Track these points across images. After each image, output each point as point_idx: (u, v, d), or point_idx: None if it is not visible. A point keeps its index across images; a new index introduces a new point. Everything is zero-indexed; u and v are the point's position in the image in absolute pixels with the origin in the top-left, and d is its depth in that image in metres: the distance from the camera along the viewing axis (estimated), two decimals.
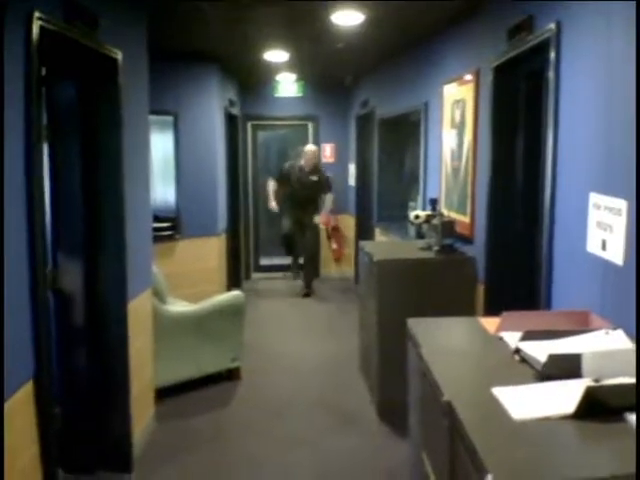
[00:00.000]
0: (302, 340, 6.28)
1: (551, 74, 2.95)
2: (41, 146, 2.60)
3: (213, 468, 3.70)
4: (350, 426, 4.25)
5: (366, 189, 8.22)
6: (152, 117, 4.64)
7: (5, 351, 2.16)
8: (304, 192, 7.90)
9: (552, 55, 2.94)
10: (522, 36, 3.33)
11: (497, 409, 1.75)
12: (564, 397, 1.76)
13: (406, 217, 5.57)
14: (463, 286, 4.20)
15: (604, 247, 2.36)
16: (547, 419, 1.67)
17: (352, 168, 8.90)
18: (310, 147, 8.14)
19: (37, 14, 2.40)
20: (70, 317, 3.40)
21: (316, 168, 8.01)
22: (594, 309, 2.44)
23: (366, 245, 4.91)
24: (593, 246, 2.46)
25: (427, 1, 4.18)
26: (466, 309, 3.94)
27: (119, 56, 3.37)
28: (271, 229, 9.36)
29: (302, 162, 7.94)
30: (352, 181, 8.90)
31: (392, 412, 4.14)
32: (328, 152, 9.25)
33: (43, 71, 2.62)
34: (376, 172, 7.50)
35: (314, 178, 7.92)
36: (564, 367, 1.88)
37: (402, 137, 7.03)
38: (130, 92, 3.60)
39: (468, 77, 4.33)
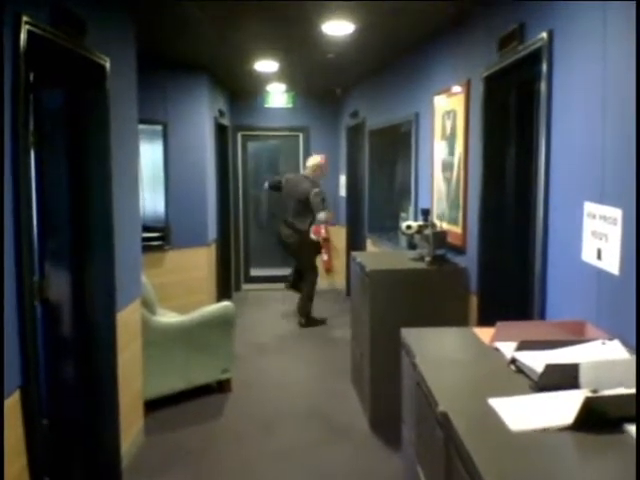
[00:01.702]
0: (294, 351, 6.23)
1: (543, 84, 2.94)
2: (28, 153, 2.56)
3: None
4: (342, 438, 4.20)
5: (357, 200, 8.21)
6: (141, 126, 4.61)
7: None
8: None
9: (544, 65, 2.93)
10: (513, 46, 3.32)
11: (494, 420, 1.72)
12: (562, 408, 1.73)
13: (398, 227, 5.54)
14: (455, 297, 4.18)
15: (599, 256, 2.34)
16: (545, 430, 1.64)
17: (343, 179, 8.89)
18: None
19: (25, 18, 2.37)
20: (58, 328, 3.34)
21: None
22: (589, 319, 2.42)
23: (358, 255, 4.88)
24: (588, 255, 2.44)
25: (418, 9, 4.18)
26: (458, 320, 3.92)
27: (107, 63, 3.34)
28: (262, 240, 9.35)
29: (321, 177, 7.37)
30: (343, 192, 8.89)
31: (384, 424, 4.10)
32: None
33: (31, 77, 2.58)
34: (367, 183, 7.50)
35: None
36: (561, 377, 1.86)
37: (393, 148, 7.02)
38: (118, 100, 3.57)
39: (459, 88, 4.33)
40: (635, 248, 2.05)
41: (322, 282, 9.03)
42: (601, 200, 2.36)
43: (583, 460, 1.59)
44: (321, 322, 7.21)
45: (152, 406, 4.41)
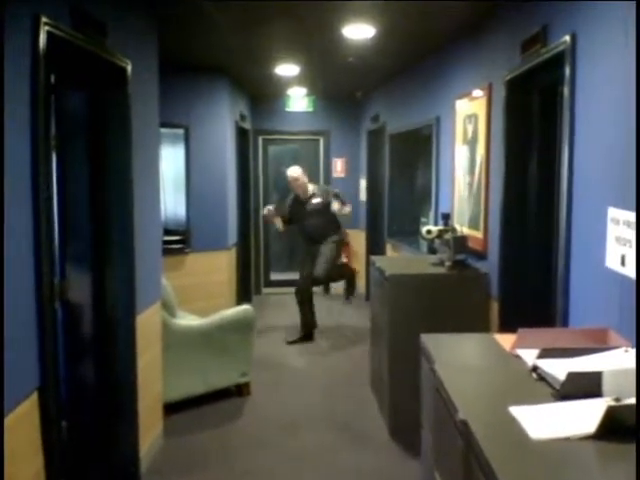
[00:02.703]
0: (313, 355, 6.21)
1: (566, 88, 2.91)
2: (49, 155, 2.57)
3: None
4: (360, 443, 4.18)
5: (377, 204, 8.19)
6: (163, 130, 4.63)
7: (9, 362, 2.13)
8: (312, 222, 6.59)
9: (567, 68, 2.89)
10: (536, 49, 3.29)
11: (515, 429, 1.69)
12: (584, 416, 1.70)
13: (418, 232, 5.51)
14: (476, 302, 4.13)
15: (623, 262, 2.30)
16: (567, 439, 1.61)
17: (363, 183, 8.87)
18: (290, 172, 6.67)
19: (44, 19, 2.38)
20: (78, 329, 3.37)
21: (306, 190, 6.67)
22: (613, 326, 2.38)
23: (377, 260, 4.86)
24: (612, 261, 2.40)
25: (439, 11, 4.16)
26: (479, 326, 3.88)
27: (128, 66, 3.36)
28: (282, 244, 9.36)
29: (295, 192, 6.73)
30: (363, 196, 8.87)
31: (403, 430, 4.07)
32: (339, 167, 9.24)
33: (52, 79, 2.60)
34: (387, 187, 7.48)
35: (315, 201, 6.59)
36: (584, 385, 1.83)
37: (413, 152, 7.00)
38: (140, 103, 3.59)
39: (480, 91, 4.30)
40: (635, 250, 2.01)
41: (342, 286, 8.98)
42: (625, 205, 2.32)
43: (605, 469, 1.56)
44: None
45: (171, 409, 4.42)
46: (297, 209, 6.71)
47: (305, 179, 6.69)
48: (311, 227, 6.62)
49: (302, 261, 6.89)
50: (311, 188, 6.72)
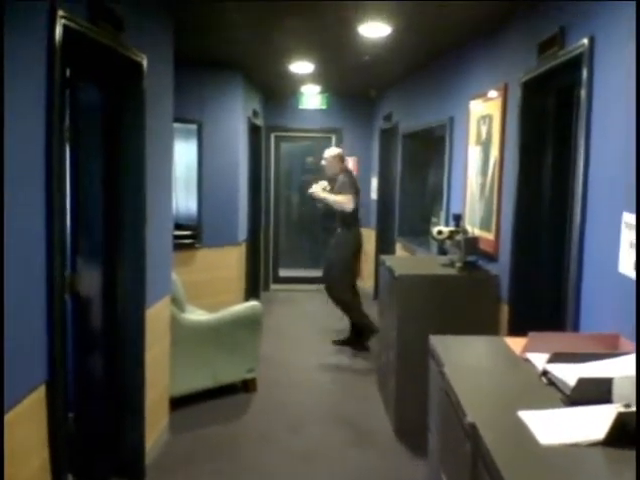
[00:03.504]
0: (320, 353, 6.21)
1: (583, 91, 2.89)
2: (63, 148, 2.57)
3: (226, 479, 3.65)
4: (365, 443, 4.17)
5: (388, 203, 8.17)
6: (176, 125, 4.63)
7: (18, 355, 2.13)
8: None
9: (584, 71, 2.88)
10: (553, 51, 3.27)
11: (523, 433, 1.68)
12: (594, 422, 1.68)
13: (428, 232, 5.49)
14: (486, 305, 4.12)
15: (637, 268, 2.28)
16: (576, 445, 1.60)
17: (374, 181, 8.85)
18: (327, 152, 6.52)
19: (61, 12, 2.37)
20: (87, 322, 3.38)
21: (334, 176, 6.31)
22: (624, 332, 2.36)
23: (387, 259, 4.85)
24: (625, 267, 2.38)
25: (454, 14, 4.14)
26: (488, 328, 3.85)
27: (144, 60, 3.36)
28: (291, 241, 9.37)
29: None
30: (374, 195, 8.85)
31: (409, 430, 4.06)
32: (351, 165, 9.20)
33: (68, 73, 2.60)
34: (398, 186, 7.46)
35: (329, 188, 6.31)
36: (594, 391, 1.81)
37: (426, 151, 6.98)
38: (155, 98, 3.59)
39: (495, 92, 4.28)
40: (635, 253, 1.99)
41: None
42: None
43: (615, 476, 1.55)
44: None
45: (178, 403, 4.43)
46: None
47: (333, 162, 6.33)
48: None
49: None
50: (340, 175, 6.25)
